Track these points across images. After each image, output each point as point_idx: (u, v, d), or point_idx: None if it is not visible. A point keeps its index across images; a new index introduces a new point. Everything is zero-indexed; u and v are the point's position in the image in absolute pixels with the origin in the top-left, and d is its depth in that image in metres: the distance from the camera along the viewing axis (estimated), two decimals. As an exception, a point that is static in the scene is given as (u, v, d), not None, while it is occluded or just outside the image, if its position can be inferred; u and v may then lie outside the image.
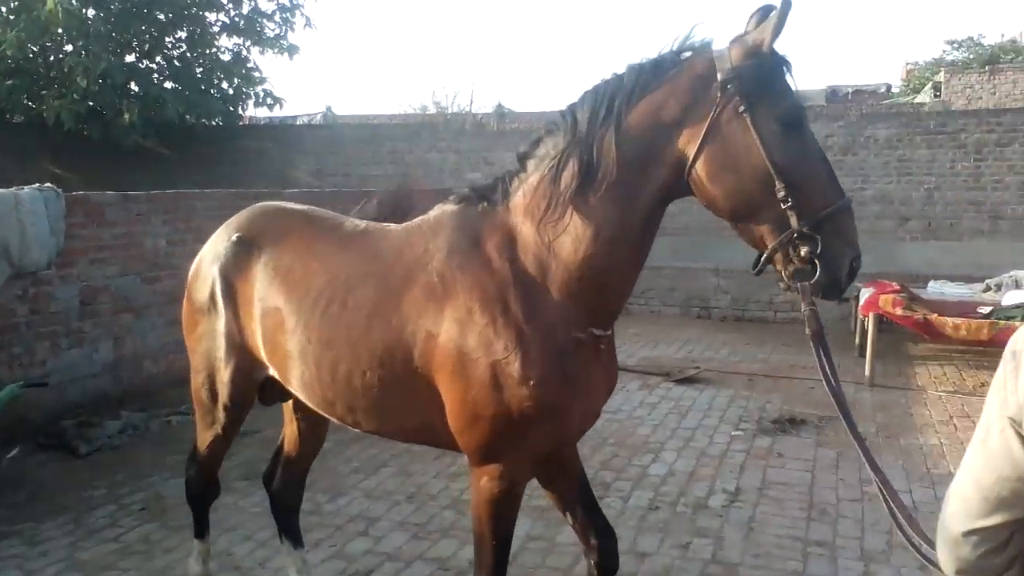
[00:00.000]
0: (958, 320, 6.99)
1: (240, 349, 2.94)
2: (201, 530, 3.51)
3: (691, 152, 2.17)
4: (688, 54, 2.24)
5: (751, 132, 2.09)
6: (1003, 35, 39.21)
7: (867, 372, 7.26)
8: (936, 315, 7.13)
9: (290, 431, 3.45)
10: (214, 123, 13.69)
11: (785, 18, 2.07)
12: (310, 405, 2.84)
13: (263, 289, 2.82)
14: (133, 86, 12.81)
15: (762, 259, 2.20)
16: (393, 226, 2.76)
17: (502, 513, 2.48)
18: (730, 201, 2.18)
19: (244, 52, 13.97)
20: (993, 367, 4.89)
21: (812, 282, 2.14)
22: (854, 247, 2.14)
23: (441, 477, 5.02)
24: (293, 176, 13.58)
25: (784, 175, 2.08)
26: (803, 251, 2.12)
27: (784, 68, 2.16)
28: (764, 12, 2.15)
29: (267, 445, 5.53)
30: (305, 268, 2.75)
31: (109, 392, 6.44)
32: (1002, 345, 5.11)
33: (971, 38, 34.40)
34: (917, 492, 4.77)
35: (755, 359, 8.30)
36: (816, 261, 2.11)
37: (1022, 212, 10.52)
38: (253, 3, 13.64)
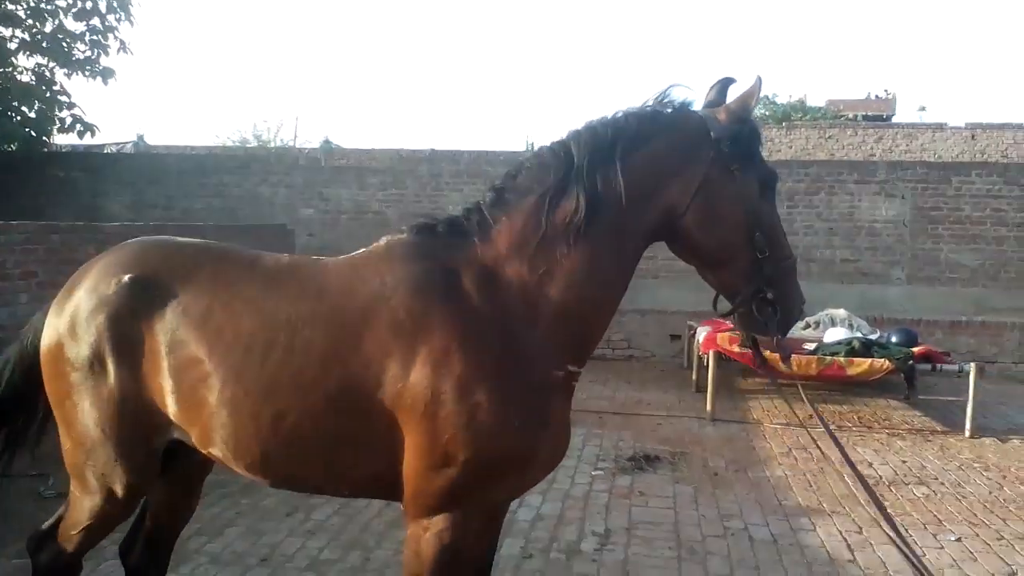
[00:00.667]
0: (790, 356, 7.39)
1: (139, 413, 2.47)
2: None
3: (683, 201, 2.31)
4: (670, 110, 2.37)
5: (738, 188, 2.30)
6: (791, 95, 43.28)
7: (708, 407, 7.52)
8: (769, 352, 7.49)
9: (158, 499, 2.92)
10: (12, 148, 12.40)
11: (759, 92, 2.34)
12: (234, 466, 2.46)
13: (174, 338, 2.39)
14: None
15: (738, 301, 2.43)
16: (327, 259, 2.55)
17: (447, 571, 2.26)
18: (713, 248, 2.37)
19: (47, 74, 12.79)
20: (816, 399, 5.09)
21: (774, 322, 2.42)
22: (802, 295, 2.44)
23: (296, 535, 4.63)
24: (106, 208, 12.53)
25: (762, 229, 2.32)
26: (770, 295, 2.37)
27: (760, 136, 2.40)
28: (724, 84, 2.44)
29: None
30: (228, 311, 2.38)
31: None
32: (828, 380, 5.48)
33: (767, 96, 37.64)
34: (774, 525, 4.91)
35: (601, 396, 8.41)
36: (775, 305, 2.38)
37: (830, 255, 11.44)
38: (57, 22, 12.54)
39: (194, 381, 2.36)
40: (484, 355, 2.22)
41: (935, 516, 5.13)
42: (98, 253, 7.97)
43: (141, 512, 3.03)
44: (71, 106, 12.72)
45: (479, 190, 11.61)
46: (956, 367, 7.44)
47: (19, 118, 12.36)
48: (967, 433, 7.07)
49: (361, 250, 2.55)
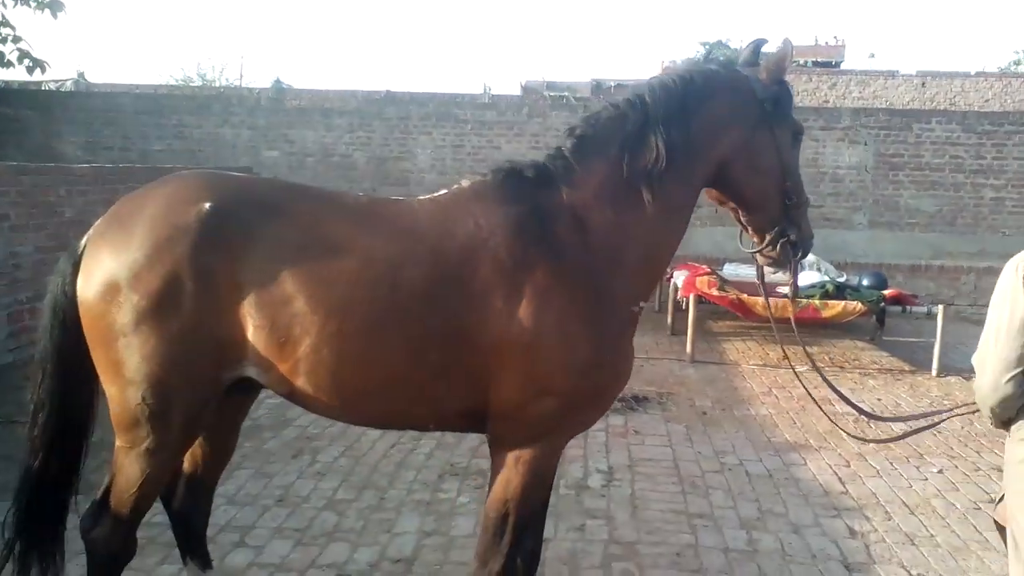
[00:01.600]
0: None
1: (211, 348, 2.38)
2: None
3: (735, 154, 2.60)
4: (723, 71, 2.63)
5: (776, 143, 2.61)
6: (743, 41, 43.47)
7: (688, 349, 7.71)
8: (746, 295, 7.71)
9: (202, 441, 2.86)
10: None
11: (791, 55, 2.66)
12: (320, 403, 2.47)
13: (263, 273, 2.33)
14: None
15: (768, 241, 2.72)
16: (406, 200, 2.61)
17: (535, 496, 2.49)
18: (752, 195, 2.69)
19: (-11, 4, 12.14)
20: (788, 341, 5.14)
21: (795, 259, 2.76)
22: (812, 232, 2.80)
23: (306, 477, 4.67)
24: (59, 149, 12.09)
25: (792, 178, 2.65)
26: (792, 236, 2.70)
27: (792, 96, 2.70)
28: (757, 45, 2.71)
29: (91, 453, 4.86)
30: (323, 248, 2.36)
31: None
32: (804, 321, 5.62)
33: (720, 41, 37.66)
34: (767, 461, 5.12)
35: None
36: (796, 244, 2.72)
37: (794, 201, 11.66)
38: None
39: (288, 318, 2.32)
40: (581, 294, 2.40)
41: (916, 450, 5.39)
42: (68, 195, 7.72)
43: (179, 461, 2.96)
44: (17, 39, 12.12)
45: (448, 133, 11.53)
46: (925, 309, 7.75)
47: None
48: (934, 372, 7.40)
49: (443, 191, 2.64)
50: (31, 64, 12.13)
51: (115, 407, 2.47)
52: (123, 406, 2.44)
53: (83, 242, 2.51)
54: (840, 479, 4.85)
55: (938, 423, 3.55)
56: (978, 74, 22.23)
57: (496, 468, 2.48)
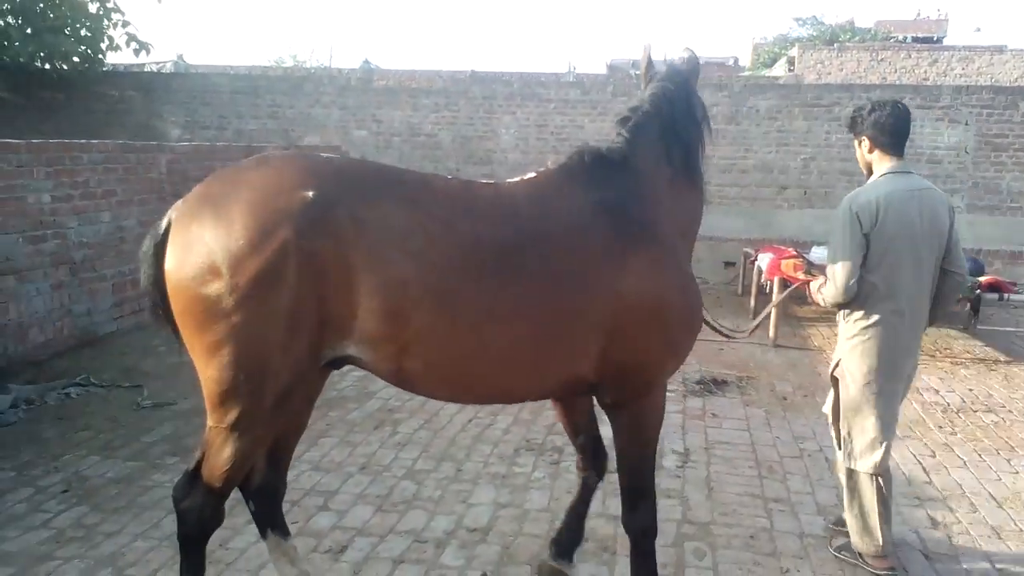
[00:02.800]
0: (855, 284, 7.39)
1: (314, 328, 2.43)
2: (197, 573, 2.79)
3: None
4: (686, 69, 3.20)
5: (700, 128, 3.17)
6: (838, 16, 41.90)
7: (771, 333, 7.59)
8: (833, 279, 7.51)
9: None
10: (68, 68, 12.47)
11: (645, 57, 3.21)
12: (429, 383, 2.62)
13: (372, 257, 2.40)
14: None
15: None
16: (501, 183, 2.81)
17: (657, 432, 3.00)
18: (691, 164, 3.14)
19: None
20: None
21: None
22: None
23: (387, 447, 4.83)
24: (159, 128, 12.63)
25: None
26: None
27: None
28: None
29: (186, 418, 5.17)
30: (427, 232, 2.45)
31: (-9, 363, 5.79)
32: None
33: (813, 17, 36.42)
34: (848, 447, 5.03)
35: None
36: None
37: (887, 183, 11.28)
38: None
39: (401, 300, 2.40)
40: (678, 262, 2.85)
41: (1007, 442, 5.21)
42: (170, 172, 8.09)
43: None
44: (125, 24, 12.70)
45: (532, 113, 11.53)
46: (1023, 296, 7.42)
47: (73, 35, 12.37)
48: (1031, 363, 7.10)
49: (531, 174, 2.85)
50: (137, 47, 12.74)
51: (210, 386, 2.49)
52: (219, 386, 2.47)
53: (165, 222, 2.52)
54: (924, 469, 4.74)
55: (776, 303, 4.90)
56: (1095, 49, 20.93)
57: (626, 416, 2.86)
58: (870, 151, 3.58)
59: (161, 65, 20.71)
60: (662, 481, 4.44)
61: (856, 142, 3.65)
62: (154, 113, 12.70)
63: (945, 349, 7.67)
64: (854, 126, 3.62)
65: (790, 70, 23.58)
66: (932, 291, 3.50)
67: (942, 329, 8.40)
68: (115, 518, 3.86)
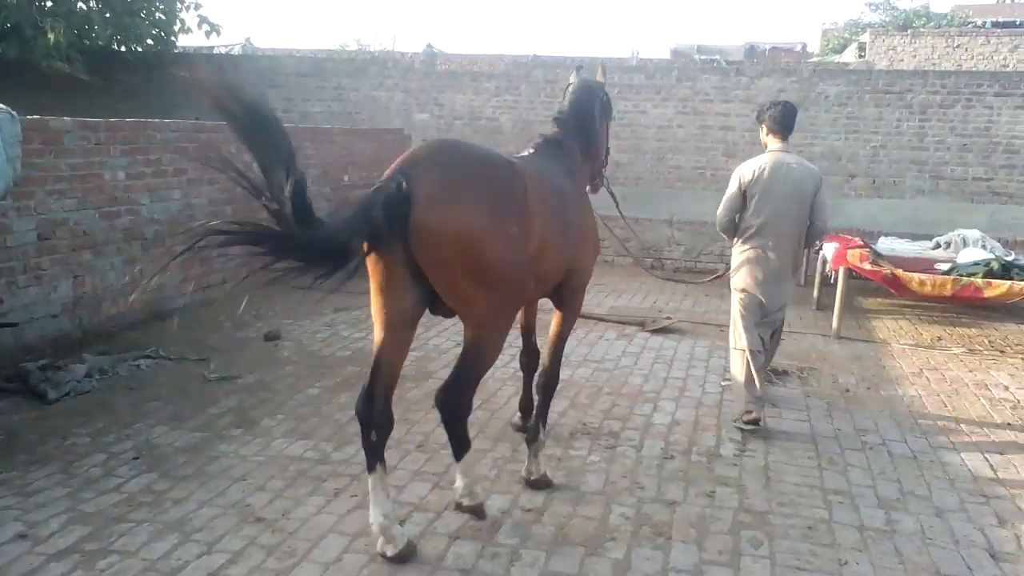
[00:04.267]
0: (924, 276, 7.21)
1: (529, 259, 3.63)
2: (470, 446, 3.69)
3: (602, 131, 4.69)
4: (593, 80, 4.70)
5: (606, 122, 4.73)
6: (912, 1, 40.51)
7: (834, 325, 7.45)
8: (902, 270, 7.34)
9: (402, 341, 3.45)
10: (142, 50, 12.83)
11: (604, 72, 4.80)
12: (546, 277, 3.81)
13: (542, 210, 3.69)
14: (48, 2, 11.80)
15: (604, 179, 4.87)
16: (526, 157, 4.06)
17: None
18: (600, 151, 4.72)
19: (174, -28, 13.04)
20: (944, 321, 5.29)
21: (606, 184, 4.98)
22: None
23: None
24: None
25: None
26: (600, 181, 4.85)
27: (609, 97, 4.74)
28: (601, 66, 4.87)
29: (251, 391, 5.32)
30: (544, 195, 3.74)
31: (69, 333, 6.01)
32: (962, 301, 5.64)
33: (887, 1, 35.35)
34: (912, 442, 4.92)
35: (719, 310, 8.39)
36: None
37: (960, 173, 10.93)
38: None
39: (543, 235, 3.56)
40: (591, 206, 4.34)
41: (1081, 442, 5.04)
42: (239, 152, 8.23)
43: (376, 370, 3.38)
44: (197, 6, 12.99)
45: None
46: (1103, 293, 7.12)
47: (148, 18, 12.71)
48: (1109, 361, 6.83)
49: (526, 153, 4.19)
50: (208, 29, 13.04)
51: (482, 305, 3.32)
52: (496, 306, 3.36)
53: (396, 185, 3.10)
54: (991, 465, 4.61)
55: (718, 277, 6.33)
56: None
57: (565, 311, 4.20)
58: (766, 135, 5.18)
59: (230, 48, 21.15)
60: (719, 469, 4.42)
61: (761, 127, 5.21)
62: (223, 95, 12.96)
63: (1016, 345, 7.43)
64: (759, 117, 5.22)
65: (861, 56, 22.95)
66: (801, 235, 5.08)
67: (1014, 324, 8.14)
68: (183, 485, 3.99)
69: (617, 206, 5.04)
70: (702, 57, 23.15)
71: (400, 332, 3.39)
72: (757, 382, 4.98)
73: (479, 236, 3.18)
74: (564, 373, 5.60)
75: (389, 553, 3.33)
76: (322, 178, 9.39)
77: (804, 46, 38.17)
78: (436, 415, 4.96)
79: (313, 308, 7.63)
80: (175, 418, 4.88)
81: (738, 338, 5.14)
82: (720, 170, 11.41)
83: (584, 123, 4.41)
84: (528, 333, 4.65)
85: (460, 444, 3.54)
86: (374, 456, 3.39)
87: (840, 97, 11.12)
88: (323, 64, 13.14)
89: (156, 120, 7.02)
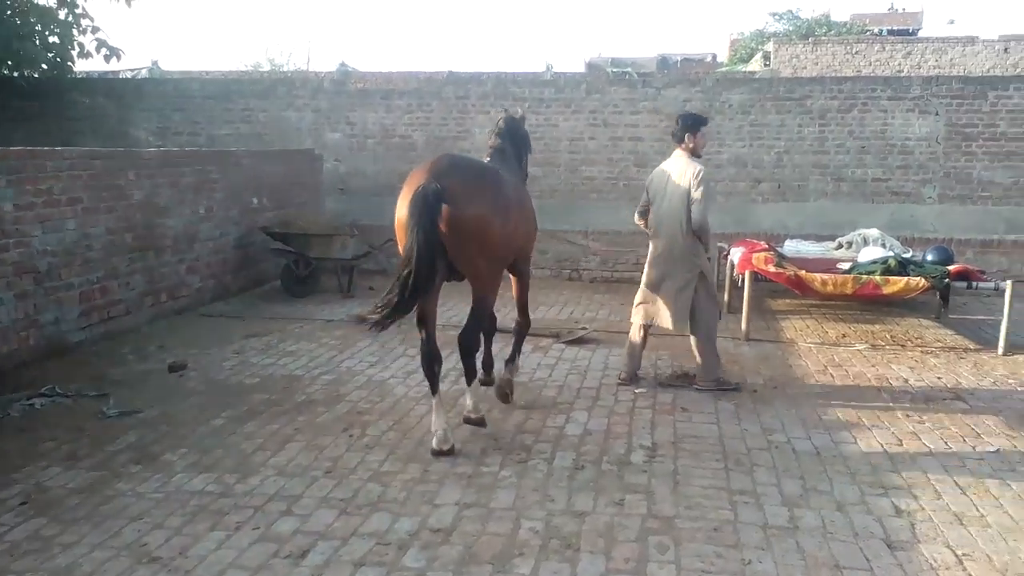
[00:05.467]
0: (825, 276, 7.43)
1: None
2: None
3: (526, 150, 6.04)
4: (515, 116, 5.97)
5: (526, 145, 6.05)
6: (813, 10, 42.05)
7: (743, 327, 7.61)
8: (805, 271, 7.56)
9: (434, 298, 4.87)
10: (38, 75, 12.37)
11: (523, 115, 6.06)
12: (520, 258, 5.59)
13: (520, 207, 5.29)
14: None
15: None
16: (494, 166, 5.32)
17: (528, 285, 5.96)
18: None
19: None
20: (849, 319, 5.57)
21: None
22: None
23: (355, 449, 4.80)
24: (132, 135, 12.56)
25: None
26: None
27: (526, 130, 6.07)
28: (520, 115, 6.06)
29: (152, 425, 5.14)
30: (516, 193, 5.37)
31: (-45, 374, 5.71)
32: (863, 299, 5.83)
33: (789, 11, 36.59)
34: (816, 438, 5.05)
35: (634, 318, 8.52)
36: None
37: (860, 175, 11.35)
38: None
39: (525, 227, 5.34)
40: (529, 200, 5.59)
41: (973, 429, 5.24)
42: (137, 178, 8.01)
43: (428, 322, 4.85)
44: (95, 30, 12.59)
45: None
46: (992, 284, 7.46)
47: (41, 43, 12.25)
48: (1000, 350, 7.15)
49: (487, 159, 5.49)
50: (108, 53, 12.61)
51: (483, 272, 4.82)
52: (490, 271, 4.89)
53: (434, 186, 4.47)
54: (891, 457, 4.76)
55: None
56: (1066, 38, 21.12)
57: (522, 282, 5.73)
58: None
59: (136, 72, 20.52)
60: (629, 476, 4.44)
61: None
62: (126, 120, 12.62)
63: (916, 338, 7.72)
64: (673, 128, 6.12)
65: (766, 64, 23.68)
66: (685, 226, 5.82)
67: (913, 319, 8.46)
68: (74, 528, 3.81)
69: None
70: (615, 70, 23.53)
71: (436, 292, 4.82)
72: (634, 351, 6.22)
73: (489, 221, 4.65)
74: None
75: (445, 448, 4.67)
76: (229, 201, 9.17)
77: (714, 56, 39.25)
78: (345, 438, 4.95)
79: (222, 336, 7.44)
80: (69, 458, 4.66)
81: (634, 315, 6.28)
82: (632, 180, 11.60)
83: (516, 139, 5.76)
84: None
85: (470, 373, 4.95)
86: (435, 382, 4.80)
87: (743, 105, 11.44)
88: (230, 86, 12.89)
89: (46, 148, 6.75)
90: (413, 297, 4.46)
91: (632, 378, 6.14)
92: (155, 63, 21.93)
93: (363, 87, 12.60)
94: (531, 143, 6.11)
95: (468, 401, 5.03)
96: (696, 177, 5.73)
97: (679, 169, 5.85)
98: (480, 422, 5.02)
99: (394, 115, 12.15)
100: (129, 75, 19.51)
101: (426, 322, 4.78)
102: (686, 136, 5.91)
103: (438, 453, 4.64)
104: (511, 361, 5.61)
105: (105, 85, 13.14)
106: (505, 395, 5.51)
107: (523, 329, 5.77)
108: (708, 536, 3.77)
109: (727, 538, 3.76)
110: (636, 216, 6.27)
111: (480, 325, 4.96)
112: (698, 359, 6.05)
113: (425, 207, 4.41)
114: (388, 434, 5.06)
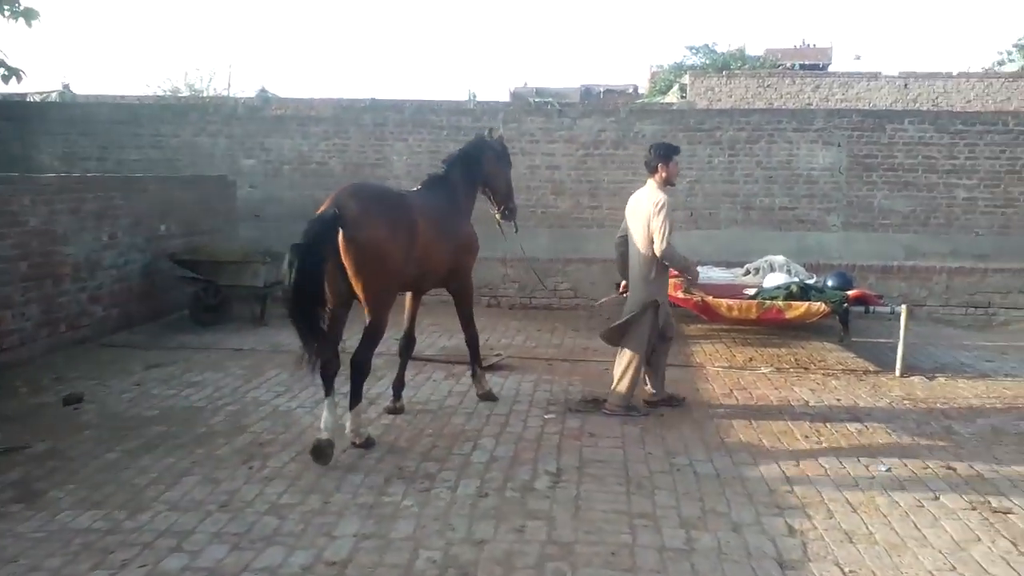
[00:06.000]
0: (731, 301, 7.63)
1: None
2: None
3: (492, 172, 6.56)
4: (485, 139, 6.60)
5: (504, 167, 6.70)
6: (730, 44, 43.49)
7: (654, 352, 7.71)
8: (712, 297, 7.73)
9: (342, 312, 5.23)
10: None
11: (502, 136, 6.93)
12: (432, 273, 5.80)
13: (424, 232, 5.48)
14: None
15: (505, 208, 6.72)
16: (419, 192, 5.94)
17: (472, 300, 6.37)
18: (498, 188, 6.64)
19: (-36, 15, 12.14)
20: (756, 343, 5.69)
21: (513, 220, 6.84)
22: (516, 207, 6.94)
23: (253, 482, 4.68)
24: (36, 159, 12.13)
25: (508, 182, 6.75)
26: (511, 206, 6.80)
27: (506, 148, 6.79)
28: (488, 133, 6.74)
29: (40, 461, 4.92)
30: (430, 219, 5.61)
31: None
32: (767, 323, 5.98)
33: (706, 45, 37.68)
34: (717, 461, 5.13)
35: (550, 344, 8.58)
36: (513, 208, 6.83)
37: (768, 203, 11.72)
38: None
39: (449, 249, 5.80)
40: (470, 224, 6.25)
41: (867, 448, 5.41)
42: (33, 204, 7.74)
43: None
44: (-7, 51, 12.13)
45: (424, 139, 11.54)
46: (888, 309, 7.77)
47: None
48: (897, 372, 7.42)
49: (420, 185, 6.09)
50: (6, 73, 12.16)
51: (374, 294, 5.03)
52: (380, 291, 5.08)
53: (332, 211, 4.87)
54: (787, 478, 4.87)
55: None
56: (960, 75, 22.27)
57: (460, 300, 6.21)
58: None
59: (46, 95, 19.87)
60: (531, 503, 4.43)
61: None
62: (30, 144, 12.19)
63: (820, 361, 7.96)
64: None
65: (683, 96, 24.30)
66: (642, 254, 5.98)
67: (817, 343, 8.73)
68: (-54, 571, 3.60)
69: (503, 233, 6.81)
70: (537, 99, 23.85)
71: (340, 307, 5.14)
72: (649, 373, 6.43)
73: (381, 246, 4.95)
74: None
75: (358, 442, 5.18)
76: (135, 228, 8.91)
77: (636, 88, 40.17)
78: (245, 470, 4.82)
79: (124, 366, 7.19)
80: (-54, 498, 4.42)
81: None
82: (549, 207, 11.73)
83: (468, 165, 6.22)
84: (411, 323, 6.13)
85: (356, 396, 5.15)
86: (329, 386, 5.02)
87: (656, 135, 11.66)
88: (139, 111, 12.59)
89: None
90: (304, 312, 4.71)
91: (666, 398, 6.35)
92: (66, 86, 21.30)
93: (281, 113, 12.47)
94: (509, 161, 6.66)
95: (348, 425, 5.19)
96: (656, 206, 5.81)
97: (644, 198, 5.98)
98: (366, 444, 5.20)
99: (310, 141, 12.04)
100: (38, 98, 18.89)
101: (333, 327, 5.11)
102: (659, 165, 5.98)
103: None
104: (474, 375, 6.37)
105: (7, 108, 12.69)
106: (489, 394, 6.37)
107: (474, 341, 6.30)
108: (606, 560, 3.79)
109: (624, 562, 3.78)
110: (615, 246, 6.34)
111: (372, 346, 5.14)
112: (615, 376, 6.12)
113: (320, 231, 4.77)
114: (290, 465, 4.94)
